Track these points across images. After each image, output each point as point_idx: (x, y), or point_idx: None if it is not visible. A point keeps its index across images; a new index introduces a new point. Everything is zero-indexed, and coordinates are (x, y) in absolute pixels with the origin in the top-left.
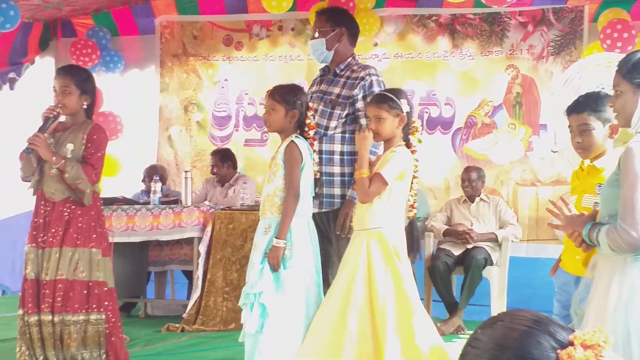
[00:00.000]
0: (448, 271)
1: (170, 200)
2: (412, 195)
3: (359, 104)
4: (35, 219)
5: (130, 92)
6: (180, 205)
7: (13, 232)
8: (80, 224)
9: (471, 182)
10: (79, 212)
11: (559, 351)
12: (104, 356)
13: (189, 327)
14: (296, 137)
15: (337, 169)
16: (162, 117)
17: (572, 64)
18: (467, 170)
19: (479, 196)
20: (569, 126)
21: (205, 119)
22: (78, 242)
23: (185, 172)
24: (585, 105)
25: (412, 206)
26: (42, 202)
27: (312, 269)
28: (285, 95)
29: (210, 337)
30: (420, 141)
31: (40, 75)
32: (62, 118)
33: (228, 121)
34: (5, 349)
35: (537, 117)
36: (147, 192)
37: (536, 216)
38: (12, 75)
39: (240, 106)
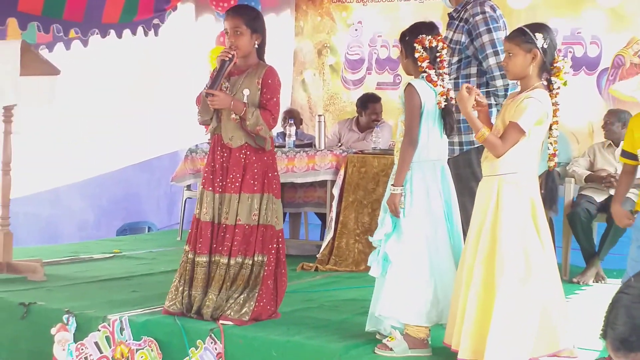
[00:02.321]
0: (589, 219)
1: (305, 143)
2: (551, 143)
3: (469, 51)
4: (212, 164)
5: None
6: (314, 149)
7: (158, 172)
8: (255, 170)
9: (607, 125)
10: (254, 158)
11: None
12: (256, 296)
13: (322, 266)
14: (422, 77)
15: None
16: (297, 61)
17: None
18: (609, 113)
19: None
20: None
21: (338, 62)
22: (255, 188)
23: (319, 115)
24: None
25: (552, 155)
26: (219, 148)
27: (440, 215)
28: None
29: (343, 277)
30: (566, 84)
31: (180, 22)
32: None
33: (361, 64)
34: (151, 282)
35: None
36: (283, 135)
37: None
38: (156, 21)
39: (373, 49)
